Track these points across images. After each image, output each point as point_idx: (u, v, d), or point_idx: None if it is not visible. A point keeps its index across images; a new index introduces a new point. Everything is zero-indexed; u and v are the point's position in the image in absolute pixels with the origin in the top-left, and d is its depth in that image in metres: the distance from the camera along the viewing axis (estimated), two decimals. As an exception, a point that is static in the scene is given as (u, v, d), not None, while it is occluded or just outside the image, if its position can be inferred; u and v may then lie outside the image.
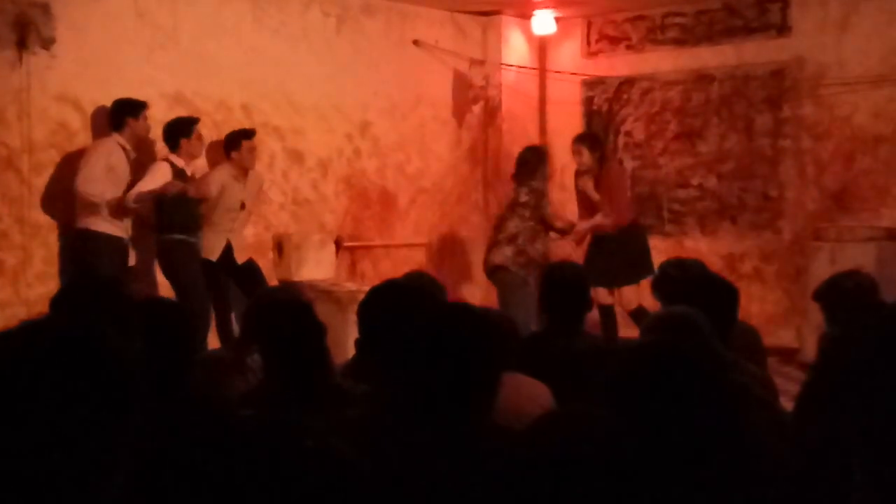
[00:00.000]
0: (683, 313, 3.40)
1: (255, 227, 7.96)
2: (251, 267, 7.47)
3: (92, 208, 6.67)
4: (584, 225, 7.88)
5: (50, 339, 1.60)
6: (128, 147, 6.85)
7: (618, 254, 7.64)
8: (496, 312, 4.17)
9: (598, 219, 7.76)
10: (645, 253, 7.76)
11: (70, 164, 6.90)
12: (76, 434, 1.55)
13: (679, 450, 2.09)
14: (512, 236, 7.54)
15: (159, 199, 6.90)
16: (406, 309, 2.94)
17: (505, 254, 7.54)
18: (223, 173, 7.35)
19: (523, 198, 7.58)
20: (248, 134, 7.44)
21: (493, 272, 7.63)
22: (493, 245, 7.67)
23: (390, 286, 3.41)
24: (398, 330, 2.54)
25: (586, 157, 7.80)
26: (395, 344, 2.49)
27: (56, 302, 3.24)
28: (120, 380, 1.61)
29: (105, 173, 6.68)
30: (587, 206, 7.92)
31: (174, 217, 7.00)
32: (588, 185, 7.81)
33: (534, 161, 7.68)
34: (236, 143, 7.38)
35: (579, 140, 7.98)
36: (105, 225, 6.74)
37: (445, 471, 1.75)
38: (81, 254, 6.78)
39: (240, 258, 7.44)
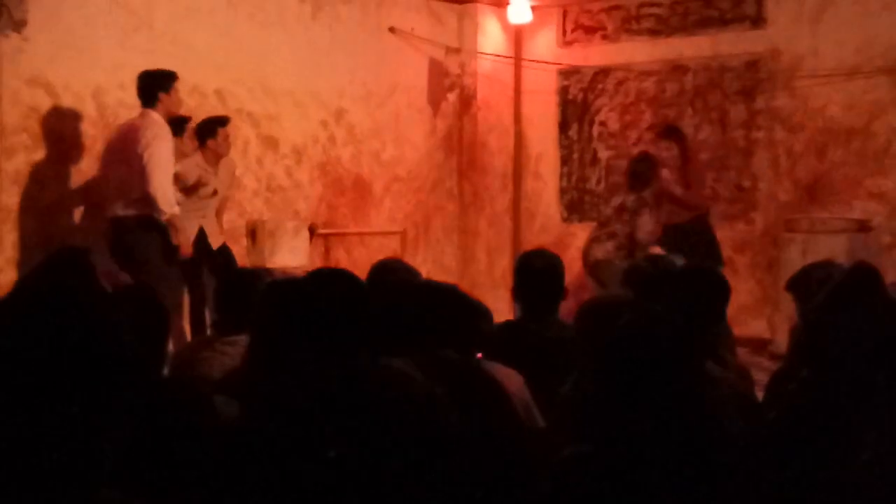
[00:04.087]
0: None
1: (228, 214, 7.92)
2: (225, 252, 7.44)
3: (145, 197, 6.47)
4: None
5: (44, 316, 1.59)
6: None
7: (687, 245, 7.73)
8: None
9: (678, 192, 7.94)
10: (713, 244, 7.99)
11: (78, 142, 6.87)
12: (72, 410, 1.54)
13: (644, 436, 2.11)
14: (612, 233, 7.76)
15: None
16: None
17: (606, 249, 7.73)
18: (190, 164, 7.28)
19: (630, 204, 7.79)
20: (223, 121, 7.36)
21: (595, 265, 7.78)
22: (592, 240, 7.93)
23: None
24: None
25: (675, 151, 8.00)
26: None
27: (28, 281, 3.21)
28: (116, 356, 1.60)
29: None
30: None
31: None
32: (670, 179, 7.94)
33: (647, 172, 7.87)
34: (212, 130, 7.29)
35: (667, 135, 8.14)
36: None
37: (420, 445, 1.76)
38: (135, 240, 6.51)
39: (216, 243, 7.42)
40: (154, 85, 6.63)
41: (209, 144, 7.29)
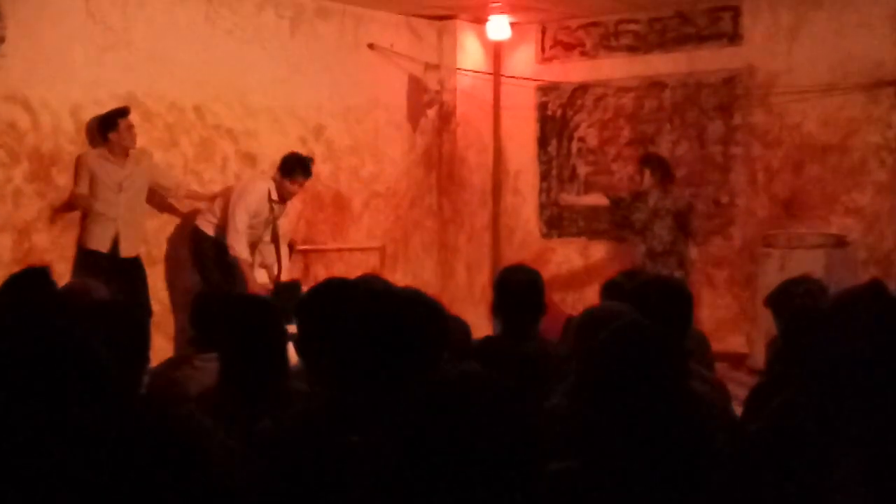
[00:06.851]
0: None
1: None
2: (136, 265, 7.28)
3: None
4: None
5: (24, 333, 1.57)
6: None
7: None
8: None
9: None
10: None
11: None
12: (38, 424, 1.52)
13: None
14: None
15: None
16: (345, 303, 2.90)
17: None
18: (89, 158, 7.08)
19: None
20: (123, 112, 7.13)
21: None
22: None
23: (329, 285, 3.36)
24: (338, 322, 2.53)
25: (647, 178, 8.30)
26: (335, 335, 2.47)
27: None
28: (82, 371, 1.59)
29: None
30: None
31: None
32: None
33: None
34: (112, 122, 7.08)
35: (643, 162, 8.47)
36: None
37: (387, 456, 1.74)
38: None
39: (129, 251, 7.20)
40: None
41: (111, 137, 7.10)
